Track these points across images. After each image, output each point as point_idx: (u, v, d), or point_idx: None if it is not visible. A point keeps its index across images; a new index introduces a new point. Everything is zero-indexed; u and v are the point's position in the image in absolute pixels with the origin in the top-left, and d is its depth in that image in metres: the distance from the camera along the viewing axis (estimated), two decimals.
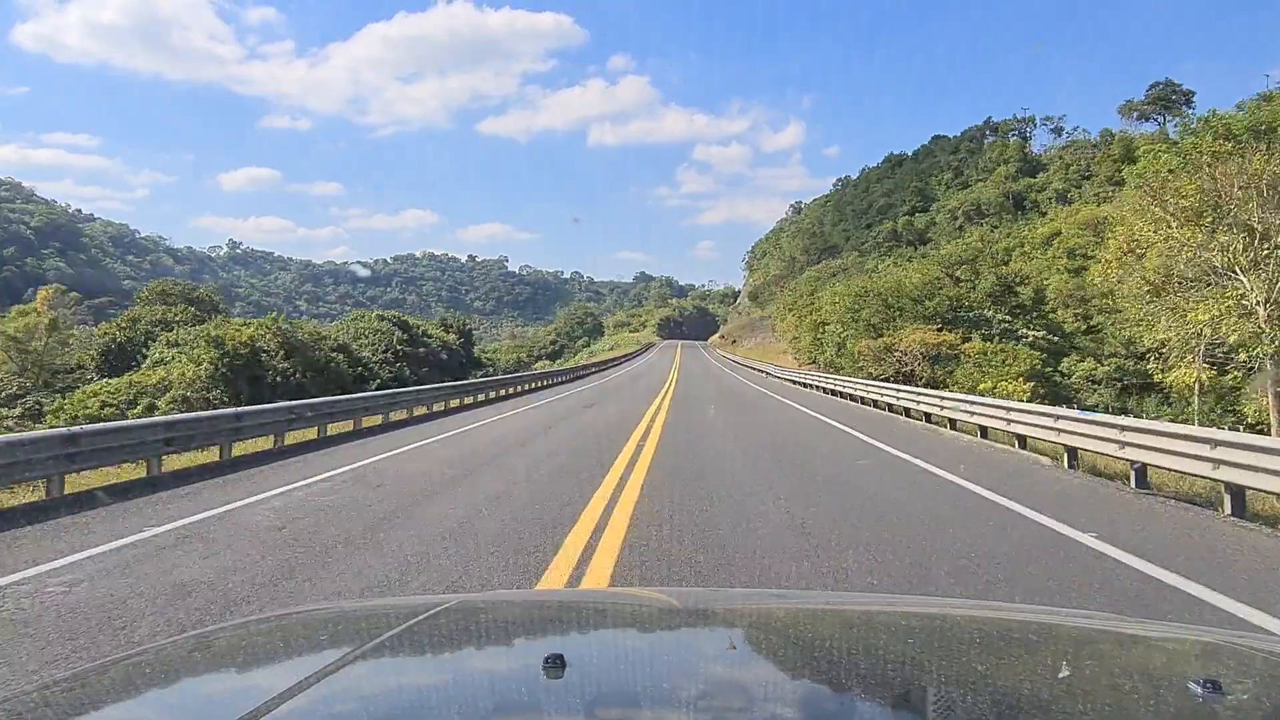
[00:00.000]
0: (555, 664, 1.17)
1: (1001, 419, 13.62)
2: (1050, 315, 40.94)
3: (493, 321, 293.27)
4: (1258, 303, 20.08)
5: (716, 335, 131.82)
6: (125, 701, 1.32)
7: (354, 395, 20.24)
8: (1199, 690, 1.11)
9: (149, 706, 1.31)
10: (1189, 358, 22.38)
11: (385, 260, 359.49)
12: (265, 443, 13.37)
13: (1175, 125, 64.38)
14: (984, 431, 14.48)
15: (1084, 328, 40.37)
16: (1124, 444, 9.41)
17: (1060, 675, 1.33)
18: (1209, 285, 20.97)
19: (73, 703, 1.27)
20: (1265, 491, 7.48)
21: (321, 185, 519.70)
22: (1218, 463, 7.81)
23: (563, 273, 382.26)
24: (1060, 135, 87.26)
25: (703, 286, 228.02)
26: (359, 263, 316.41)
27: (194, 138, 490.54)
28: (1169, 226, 21.76)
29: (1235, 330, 19.98)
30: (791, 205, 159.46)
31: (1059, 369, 36.36)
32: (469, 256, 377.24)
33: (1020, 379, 30.67)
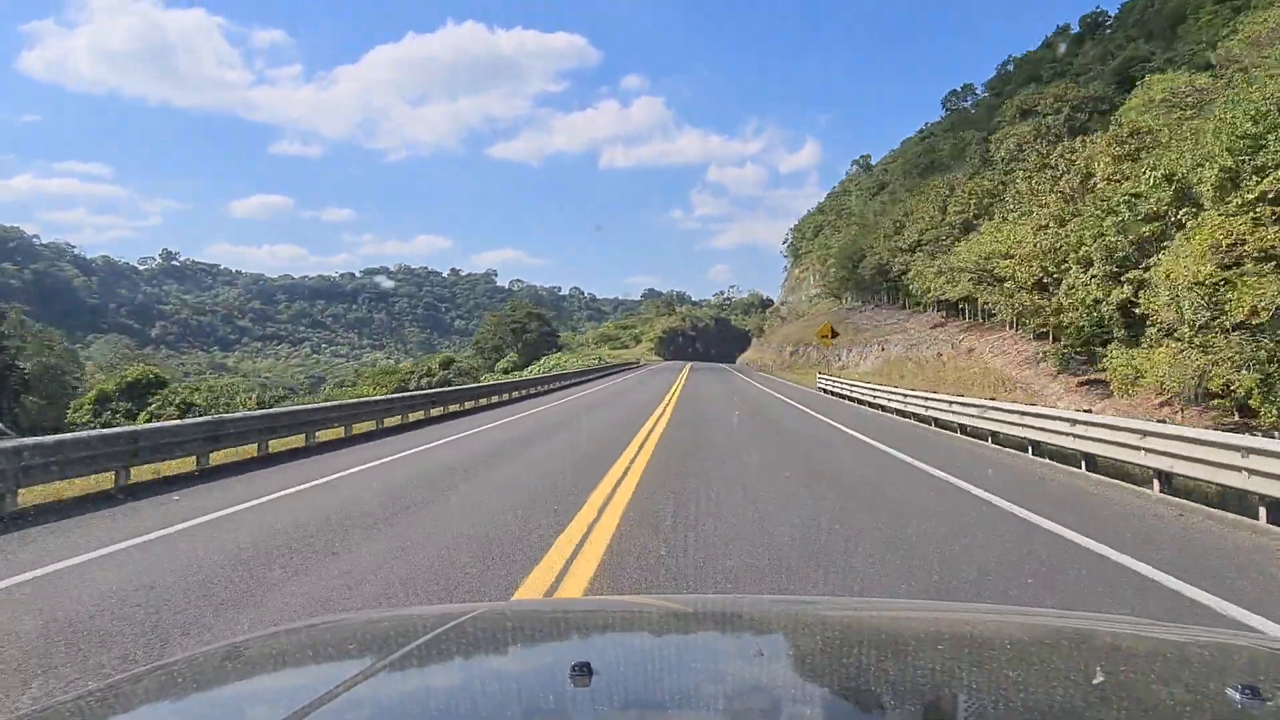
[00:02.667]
0: (583, 671, 1.16)
1: None
2: None
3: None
4: None
5: (761, 350, 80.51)
6: (158, 711, 1.33)
7: None
8: (1237, 697, 1.08)
9: (181, 716, 1.32)
10: None
11: (353, 275, 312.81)
12: None
13: None
14: None
15: None
16: None
17: (1094, 682, 1.29)
18: None
19: (106, 712, 1.29)
20: None
21: (334, 211, 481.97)
22: None
23: (560, 289, 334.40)
24: None
25: (723, 294, 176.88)
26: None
27: (205, 165, 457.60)
28: None
29: None
30: (855, 162, 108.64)
31: None
32: (451, 270, 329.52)
33: None
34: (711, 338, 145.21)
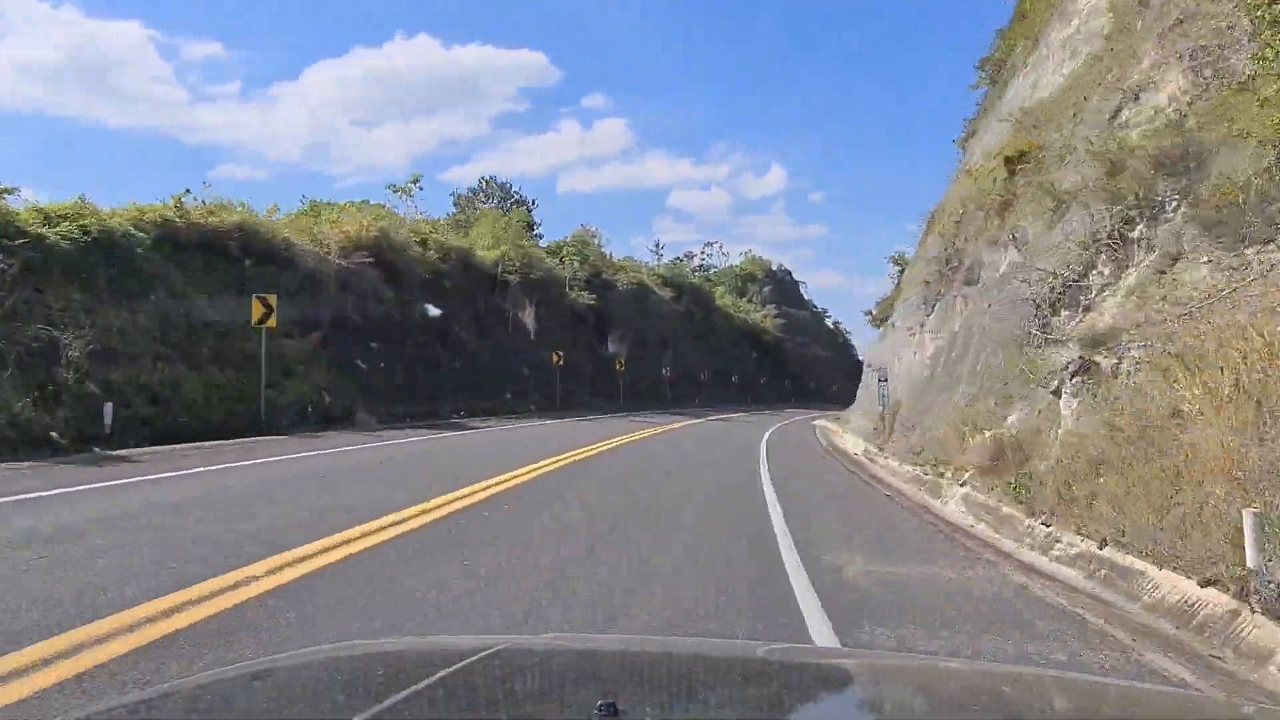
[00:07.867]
0: (608, 712, 1.13)
1: None
2: None
3: None
4: None
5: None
6: None
7: None
8: None
9: None
10: None
11: None
12: None
13: None
14: None
15: None
16: None
17: None
18: None
19: None
20: None
21: None
22: None
23: None
24: None
25: (692, 255, 78.86)
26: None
27: (147, 190, 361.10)
28: None
29: None
30: None
31: None
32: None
33: None
34: (671, 330, 48.59)
